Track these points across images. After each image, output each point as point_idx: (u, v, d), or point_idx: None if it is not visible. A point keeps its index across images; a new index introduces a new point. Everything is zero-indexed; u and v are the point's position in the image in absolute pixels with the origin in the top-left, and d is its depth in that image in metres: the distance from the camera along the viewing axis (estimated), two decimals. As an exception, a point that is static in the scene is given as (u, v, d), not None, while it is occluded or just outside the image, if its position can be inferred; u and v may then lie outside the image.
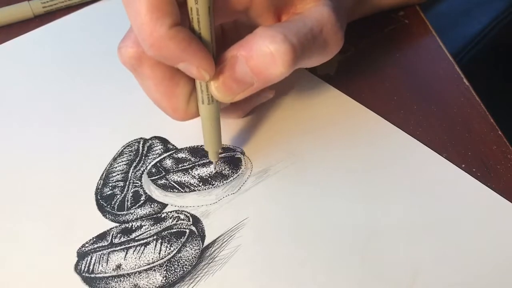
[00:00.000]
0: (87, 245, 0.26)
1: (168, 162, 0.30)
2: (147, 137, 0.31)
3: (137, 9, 0.20)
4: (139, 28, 0.21)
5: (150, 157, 0.30)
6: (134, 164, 0.30)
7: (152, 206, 0.28)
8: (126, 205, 0.28)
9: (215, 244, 0.26)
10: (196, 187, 0.29)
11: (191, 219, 0.27)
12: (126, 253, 0.26)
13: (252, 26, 0.25)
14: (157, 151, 0.30)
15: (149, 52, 0.22)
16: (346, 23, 0.29)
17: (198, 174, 0.29)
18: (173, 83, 0.24)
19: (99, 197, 0.28)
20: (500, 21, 0.56)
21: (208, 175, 0.29)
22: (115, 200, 0.28)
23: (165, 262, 0.25)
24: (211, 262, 0.25)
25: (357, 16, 0.36)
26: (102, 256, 0.26)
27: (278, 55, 0.22)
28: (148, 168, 0.30)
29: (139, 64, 0.24)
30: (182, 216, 0.27)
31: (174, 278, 0.25)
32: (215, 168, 0.29)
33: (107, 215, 0.27)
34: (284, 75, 0.23)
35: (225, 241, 0.26)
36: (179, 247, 0.26)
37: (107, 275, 0.25)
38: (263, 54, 0.23)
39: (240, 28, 0.28)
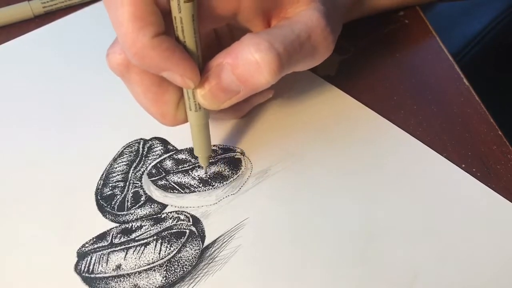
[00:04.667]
0: (87, 245, 0.26)
1: (168, 163, 0.30)
2: (147, 137, 0.31)
3: (120, 18, 0.20)
4: (122, 37, 0.21)
5: (150, 158, 0.30)
6: (134, 164, 0.30)
7: (152, 206, 0.28)
8: (126, 206, 0.28)
9: (215, 245, 0.26)
10: (196, 188, 0.29)
11: (191, 220, 0.27)
12: (126, 253, 0.26)
13: (244, 30, 0.25)
14: (157, 152, 0.30)
15: (133, 61, 0.22)
16: (342, 24, 0.29)
17: (198, 175, 0.29)
18: (161, 89, 0.24)
19: (99, 197, 0.28)
20: (500, 21, 0.56)
21: (208, 176, 0.29)
22: (115, 200, 0.28)
23: (165, 262, 0.25)
24: (211, 262, 0.25)
25: (356, 16, 0.36)
26: (102, 256, 0.26)
27: (263, 63, 0.22)
28: (148, 168, 0.30)
29: (127, 70, 0.24)
30: (182, 217, 0.27)
31: (174, 278, 0.25)
32: (206, 173, 0.29)
33: (107, 215, 0.27)
34: (270, 83, 0.23)
35: (225, 242, 0.26)
36: (179, 247, 0.26)
37: (107, 275, 0.25)
38: (249, 63, 0.22)
39: (234, 32, 0.28)
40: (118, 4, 0.20)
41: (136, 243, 0.26)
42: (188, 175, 0.29)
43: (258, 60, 0.22)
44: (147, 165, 0.30)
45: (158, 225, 0.27)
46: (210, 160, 0.30)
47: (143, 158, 0.30)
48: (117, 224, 0.27)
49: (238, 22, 0.25)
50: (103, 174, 0.29)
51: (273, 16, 0.26)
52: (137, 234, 0.27)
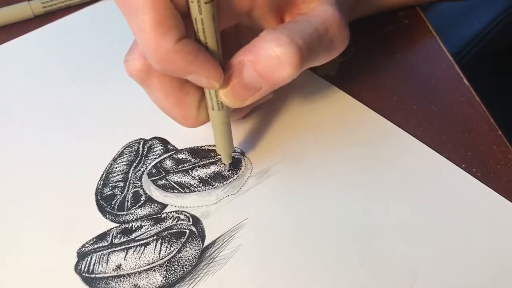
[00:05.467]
0: (87, 245, 0.26)
1: (168, 163, 0.30)
2: (147, 137, 0.31)
3: (141, 25, 0.20)
4: (144, 44, 0.21)
5: (150, 158, 0.30)
6: (134, 164, 0.30)
7: (152, 206, 0.28)
8: (126, 206, 0.28)
9: (215, 245, 0.26)
10: (196, 188, 0.29)
11: (191, 220, 0.27)
12: (126, 253, 0.26)
13: (255, 28, 0.25)
14: (157, 152, 0.30)
15: (156, 66, 0.21)
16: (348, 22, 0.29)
17: (198, 175, 0.29)
18: (182, 93, 0.24)
19: (99, 197, 0.28)
20: (500, 21, 0.56)
21: (208, 176, 0.29)
22: (115, 200, 0.28)
23: (165, 262, 0.25)
24: (211, 262, 0.25)
25: (358, 16, 0.36)
26: (102, 256, 0.26)
27: (284, 58, 0.22)
28: (148, 168, 0.30)
29: (147, 77, 0.24)
30: (182, 217, 0.27)
31: (174, 278, 0.25)
32: (228, 171, 0.29)
33: (107, 215, 0.27)
34: (292, 77, 0.23)
35: (225, 242, 0.26)
36: (179, 247, 0.26)
37: (107, 275, 0.25)
38: (270, 58, 0.22)
39: (240, 31, 0.28)
40: (139, 11, 0.20)
41: (136, 243, 0.26)
42: (188, 174, 0.29)
43: (279, 55, 0.22)
44: (147, 165, 0.30)
45: (158, 225, 0.27)
46: (210, 160, 0.30)
47: (143, 158, 0.30)
48: (117, 224, 0.27)
49: (251, 19, 0.25)
50: (103, 174, 0.29)
51: (285, 12, 0.26)
52: (137, 234, 0.27)
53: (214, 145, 0.30)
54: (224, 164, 0.29)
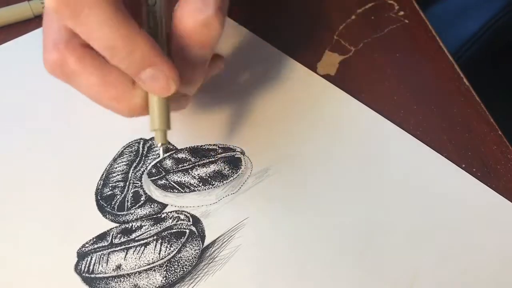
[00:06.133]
0: (87, 245, 0.26)
1: (168, 163, 0.30)
2: (147, 137, 0.31)
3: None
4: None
5: (150, 158, 0.30)
6: (134, 164, 0.30)
7: (152, 206, 0.28)
8: (126, 206, 0.28)
9: (215, 244, 0.26)
10: (196, 187, 0.29)
11: (191, 219, 0.27)
12: (126, 253, 0.26)
13: None
14: (157, 152, 0.30)
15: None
16: None
17: (198, 174, 0.29)
18: (107, 71, 0.23)
19: (99, 198, 0.28)
20: (497, 21, 0.56)
21: (208, 175, 0.29)
22: (115, 200, 0.28)
23: (165, 262, 0.25)
24: (211, 262, 0.25)
25: None
26: (102, 256, 0.26)
27: (213, 19, 0.22)
28: (148, 168, 0.30)
29: (65, 64, 0.23)
30: (182, 216, 0.27)
31: (174, 278, 0.25)
32: (163, 153, 0.26)
33: (107, 215, 0.27)
34: (221, 31, 0.23)
35: (225, 241, 0.26)
36: (179, 247, 0.26)
37: (107, 275, 0.25)
38: (202, 26, 0.22)
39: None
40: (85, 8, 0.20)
41: (136, 243, 0.26)
42: (188, 174, 0.29)
43: (209, 20, 0.22)
44: (147, 164, 0.30)
45: (158, 225, 0.27)
46: (210, 159, 0.30)
47: (143, 158, 0.30)
48: (117, 224, 0.27)
49: None
50: (103, 174, 0.29)
51: None
52: (137, 234, 0.27)
53: (215, 144, 0.30)
54: (162, 146, 0.25)
